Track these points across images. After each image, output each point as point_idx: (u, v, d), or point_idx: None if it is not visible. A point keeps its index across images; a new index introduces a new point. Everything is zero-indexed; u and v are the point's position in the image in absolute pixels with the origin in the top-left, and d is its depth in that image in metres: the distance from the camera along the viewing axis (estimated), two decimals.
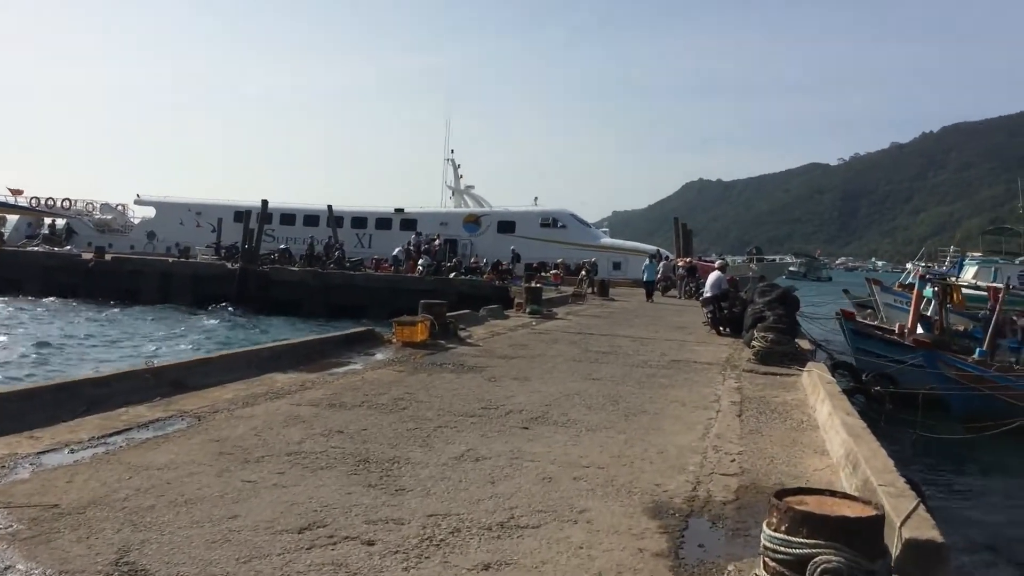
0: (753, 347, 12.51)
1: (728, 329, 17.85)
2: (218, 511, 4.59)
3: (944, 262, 39.48)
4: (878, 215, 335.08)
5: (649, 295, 30.04)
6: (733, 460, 6.52)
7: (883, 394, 14.72)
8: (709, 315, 18.11)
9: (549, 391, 9.26)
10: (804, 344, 14.47)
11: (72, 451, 5.69)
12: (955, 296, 22.51)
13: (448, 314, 14.79)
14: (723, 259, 32.21)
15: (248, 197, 42.07)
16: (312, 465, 5.65)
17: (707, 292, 18.18)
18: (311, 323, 32.42)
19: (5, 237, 50.87)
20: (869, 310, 30.02)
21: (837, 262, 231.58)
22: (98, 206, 55.57)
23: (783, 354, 12.28)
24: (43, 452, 5.62)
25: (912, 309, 23.32)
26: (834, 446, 6.91)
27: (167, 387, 7.88)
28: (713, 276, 18.28)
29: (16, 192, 54.08)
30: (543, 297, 23.86)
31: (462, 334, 14.37)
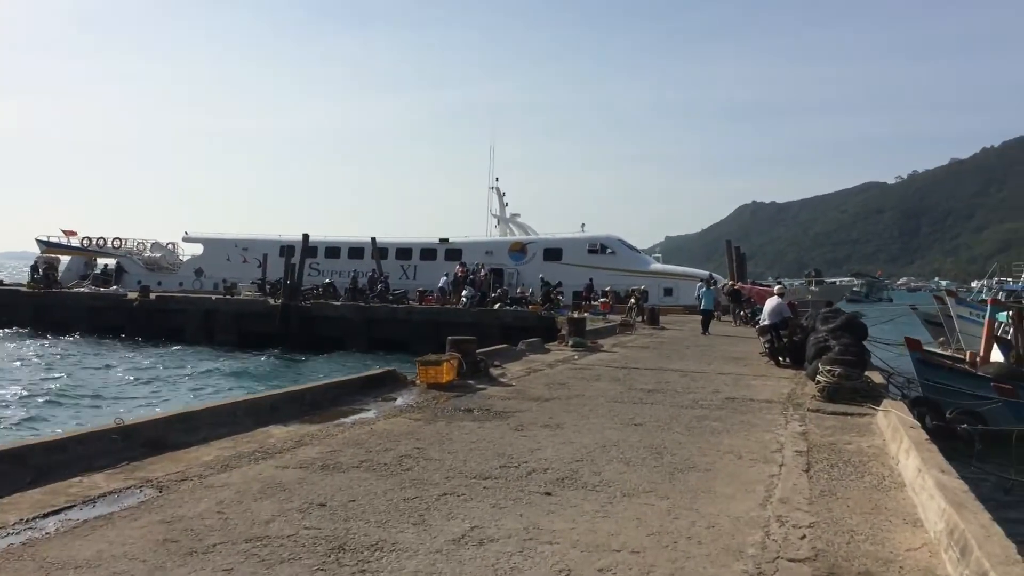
0: (818, 382, 11.12)
1: (788, 359, 16.44)
2: None
3: (1021, 278, 37.08)
4: (940, 233, 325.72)
5: (706, 326, 26.33)
6: (803, 536, 5.23)
7: (971, 433, 13.07)
8: (767, 345, 16.67)
9: (583, 442, 8.05)
10: (876, 377, 12.98)
11: None
12: None
13: (480, 351, 13.70)
14: (781, 284, 30.31)
15: (295, 232, 41.73)
16: (272, 557, 4.54)
17: (765, 320, 16.75)
18: (354, 359, 31.69)
19: (59, 278, 51.52)
20: (942, 338, 28.02)
21: (899, 282, 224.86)
22: (149, 244, 56.02)
23: (853, 390, 10.86)
24: None
25: (984, 337, 21.57)
26: (930, 515, 5.57)
27: (140, 448, 6.89)
28: (772, 303, 16.85)
29: (69, 233, 54.76)
30: (588, 328, 22.65)
31: (495, 372, 13.24)
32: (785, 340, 16.46)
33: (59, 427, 15.45)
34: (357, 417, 9.08)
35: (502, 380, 12.64)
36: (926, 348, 21.98)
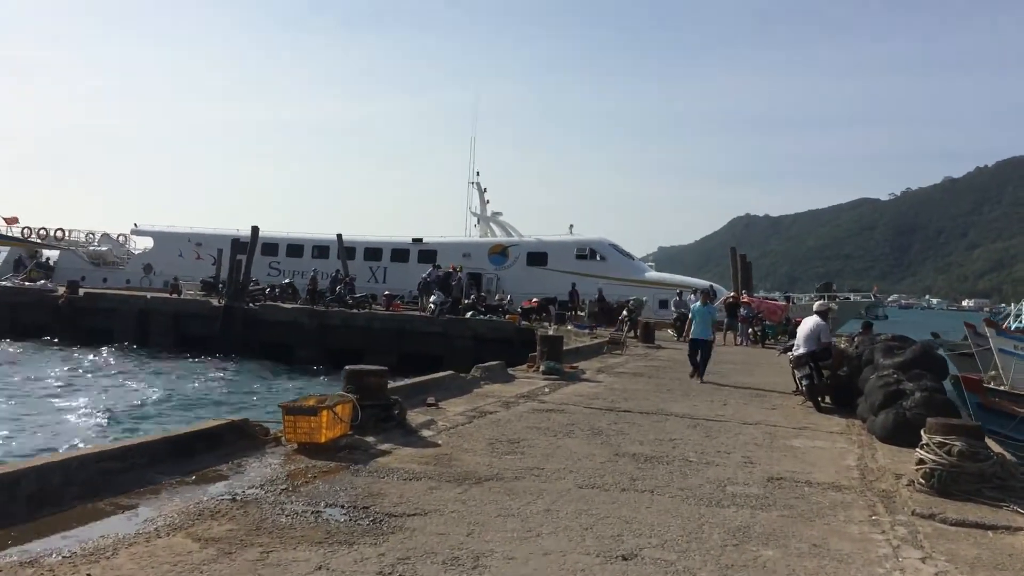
0: (922, 462, 6.86)
1: (828, 399, 12.29)
2: None
3: None
4: (932, 251, 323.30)
5: (696, 364, 15.49)
6: None
7: None
8: (804, 381, 12.40)
9: None
10: (1002, 450, 8.64)
11: None
12: None
13: (399, 384, 9.49)
14: (823, 299, 24.48)
15: (262, 226, 37.41)
16: None
17: (800, 347, 12.48)
18: (303, 371, 27.59)
19: None
20: (993, 373, 23.62)
21: (890, 299, 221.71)
22: (98, 236, 51.43)
23: (980, 477, 6.64)
24: None
25: None
26: None
27: None
28: (809, 324, 12.55)
29: (11, 220, 50.14)
30: (569, 346, 18.50)
31: (419, 419, 8.96)
32: (826, 376, 12.30)
33: None
34: (96, 533, 4.78)
35: (424, 434, 8.37)
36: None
